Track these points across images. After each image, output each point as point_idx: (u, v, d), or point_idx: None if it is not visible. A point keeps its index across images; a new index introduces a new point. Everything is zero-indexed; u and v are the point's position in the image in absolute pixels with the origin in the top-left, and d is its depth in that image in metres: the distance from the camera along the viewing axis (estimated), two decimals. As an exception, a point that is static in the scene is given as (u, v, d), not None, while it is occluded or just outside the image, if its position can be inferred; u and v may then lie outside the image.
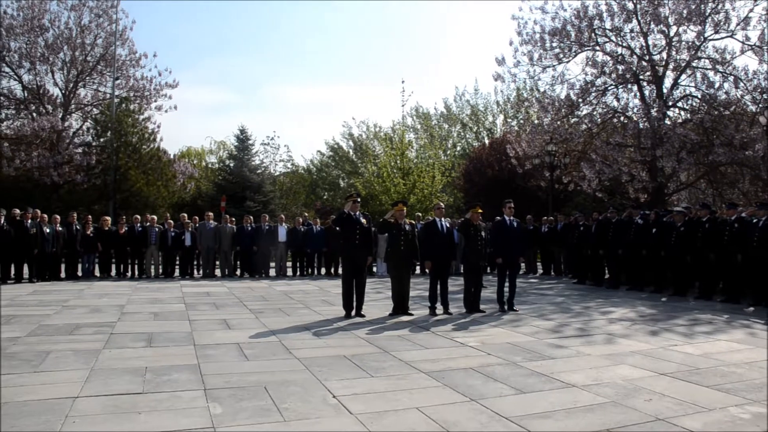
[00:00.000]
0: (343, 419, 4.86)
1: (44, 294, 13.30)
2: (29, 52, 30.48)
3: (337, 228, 11.03)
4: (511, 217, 11.61)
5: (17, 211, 16.35)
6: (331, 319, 10.11)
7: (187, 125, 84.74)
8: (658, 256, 14.33)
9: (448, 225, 11.61)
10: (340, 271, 18.57)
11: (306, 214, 23.84)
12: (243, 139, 36.20)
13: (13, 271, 16.05)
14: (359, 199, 11.15)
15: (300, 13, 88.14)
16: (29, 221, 15.91)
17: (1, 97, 31.24)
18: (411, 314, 10.66)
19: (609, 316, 10.79)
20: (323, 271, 19.35)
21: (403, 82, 63.79)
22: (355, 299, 10.54)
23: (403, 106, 47.62)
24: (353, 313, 10.47)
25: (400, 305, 10.81)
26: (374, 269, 18.57)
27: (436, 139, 39.92)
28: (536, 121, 25.62)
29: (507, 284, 11.46)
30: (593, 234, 16.24)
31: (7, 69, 30.82)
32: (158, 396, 5.43)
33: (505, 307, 11.33)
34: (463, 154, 42.40)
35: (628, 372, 6.48)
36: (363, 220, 10.68)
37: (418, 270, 17.39)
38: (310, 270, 19.28)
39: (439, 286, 11.04)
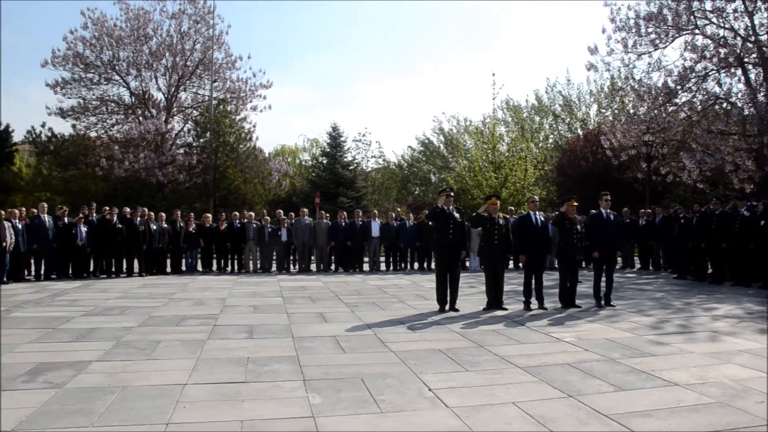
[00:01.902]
0: (440, 412, 4.89)
1: (152, 287, 14.03)
2: (135, 60, 32.24)
3: (431, 223, 11.06)
4: (608, 210, 11.29)
5: (127, 209, 17.37)
6: (426, 314, 10.16)
7: (281, 124, 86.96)
8: (766, 249, 13.54)
9: (542, 218, 11.43)
10: (433, 265, 18.64)
11: (399, 209, 23.96)
12: (335, 136, 36.76)
13: (124, 266, 16.98)
14: (452, 194, 11.13)
15: (386, 8, 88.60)
16: (138, 219, 16.85)
17: (112, 104, 33.18)
18: (505, 309, 10.57)
19: (713, 312, 10.32)
20: (416, 265, 19.42)
21: (493, 74, 63.15)
22: (449, 294, 10.56)
23: (493, 99, 47.14)
24: (447, 307, 10.48)
25: (495, 300, 10.74)
26: (467, 264, 18.48)
27: (528, 131, 39.25)
28: (632, 111, 24.67)
29: (604, 279, 11.16)
30: (695, 227, 15.53)
31: (117, 77, 32.71)
32: (260, 385, 5.64)
33: (602, 302, 11.04)
34: (555, 146, 41.50)
35: (736, 372, 6.18)
36: (456, 215, 10.66)
37: (511, 264, 17.28)
38: (403, 265, 19.40)
39: (533, 281, 10.90)
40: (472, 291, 13.20)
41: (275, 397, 5.28)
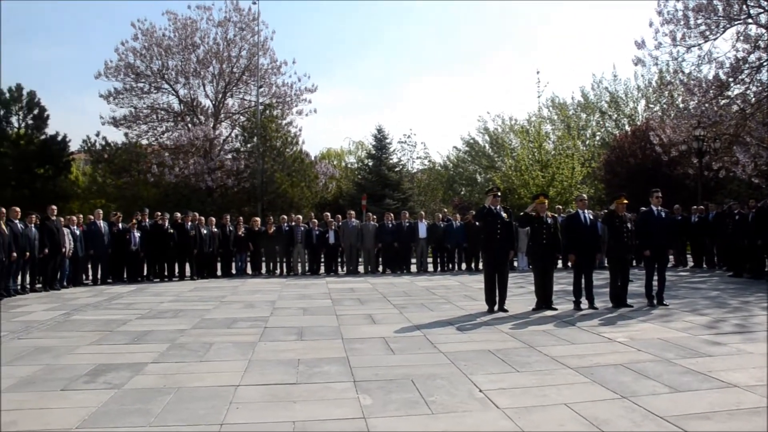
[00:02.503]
0: (491, 413, 4.88)
1: (203, 290, 14.30)
2: (184, 68, 33.01)
3: (478, 223, 11.01)
4: (659, 207, 11.05)
5: (178, 214, 17.73)
6: (474, 314, 10.12)
7: (326, 127, 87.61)
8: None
9: (591, 217, 11.26)
10: (481, 266, 18.53)
11: (445, 210, 23.91)
12: (380, 138, 36.90)
13: (176, 270, 17.35)
14: (499, 194, 11.06)
15: (430, 8, 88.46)
16: (189, 224, 17.19)
17: (162, 112, 33.99)
18: (555, 309, 10.45)
19: (773, 311, 10.00)
20: (464, 266, 19.33)
21: (538, 72, 62.52)
22: (497, 294, 10.49)
23: (539, 97, 46.58)
24: (496, 307, 10.42)
25: (544, 300, 10.63)
26: (515, 264, 18.32)
27: (574, 129, 38.67)
28: (681, 105, 24.12)
29: (655, 277, 10.93)
30: (751, 223, 15.07)
31: (166, 86, 33.52)
32: (311, 387, 5.70)
33: (654, 301, 10.81)
34: (602, 143, 40.83)
35: (799, 372, 5.99)
36: (504, 215, 10.60)
37: (560, 264, 17.06)
38: (450, 265, 19.33)
39: (583, 280, 10.74)
40: (520, 291, 13.09)
41: (326, 399, 5.34)
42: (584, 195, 12.00)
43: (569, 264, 11.80)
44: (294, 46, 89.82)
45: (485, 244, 10.75)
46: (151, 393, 5.55)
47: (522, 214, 11.47)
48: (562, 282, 13.42)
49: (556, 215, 11.85)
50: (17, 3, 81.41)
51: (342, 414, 4.89)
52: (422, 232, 19.16)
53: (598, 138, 43.18)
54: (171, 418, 4.86)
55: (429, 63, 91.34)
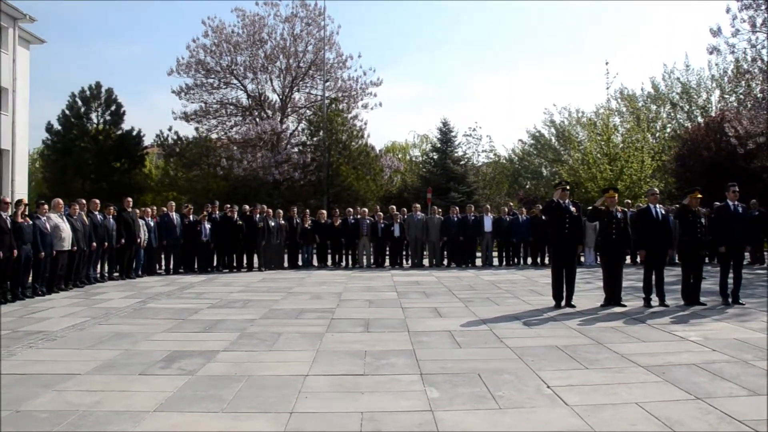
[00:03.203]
0: (559, 410, 4.83)
1: (271, 281, 14.59)
2: (252, 64, 33.68)
3: (543, 217, 10.86)
4: (735, 202, 10.65)
5: (247, 207, 18.12)
6: (541, 309, 10.01)
7: (391, 120, 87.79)
8: None
9: (663, 212, 10.95)
10: (547, 260, 18.28)
11: (511, 204, 23.65)
12: (446, 132, 36.72)
13: (245, 261, 17.75)
14: (568, 187, 10.89)
15: (493, 3, 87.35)
16: (257, 216, 17.54)
17: (231, 106, 34.77)
18: (624, 305, 10.22)
19: None
20: (529, 260, 19.09)
21: (606, 63, 60.79)
22: (565, 289, 10.34)
23: (607, 88, 45.41)
24: (563, 303, 10.28)
25: (612, 296, 10.41)
26: (582, 259, 17.99)
27: (644, 121, 37.46)
28: (759, 95, 23.05)
29: (731, 275, 10.55)
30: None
31: (235, 81, 34.26)
32: (378, 378, 5.77)
33: (730, 299, 10.44)
34: (674, 135, 39.40)
35: None
36: (572, 209, 10.43)
37: (628, 259, 16.64)
38: (516, 260, 19.13)
39: (654, 277, 10.46)
40: (588, 287, 12.86)
41: (393, 390, 5.39)
42: (656, 189, 11.65)
43: (639, 260, 11.51)
44: (359, 40, 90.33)
45: (553, 238, 10.61)
46: (223, 380, 5.72)
47: (591, 208, 11.24)
48: (631, 278, 13.09)
49: (626, 210, 11.55)
50: (97, 4, 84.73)
51: (409, 406, 4.92)
52: (487, 225, 19.02)
53: (669, 130, 41.71)
54: (242, 404, 5.00)
55: (494, 56, 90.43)
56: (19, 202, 11.87)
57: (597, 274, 14.79)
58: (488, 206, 21.02)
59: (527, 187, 43.67)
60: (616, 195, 10.93)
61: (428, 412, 4.77)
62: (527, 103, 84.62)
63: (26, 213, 11.67)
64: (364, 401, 5.07)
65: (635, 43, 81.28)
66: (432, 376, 5.80)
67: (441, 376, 5.81)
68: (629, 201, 21.05)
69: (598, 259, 17.89)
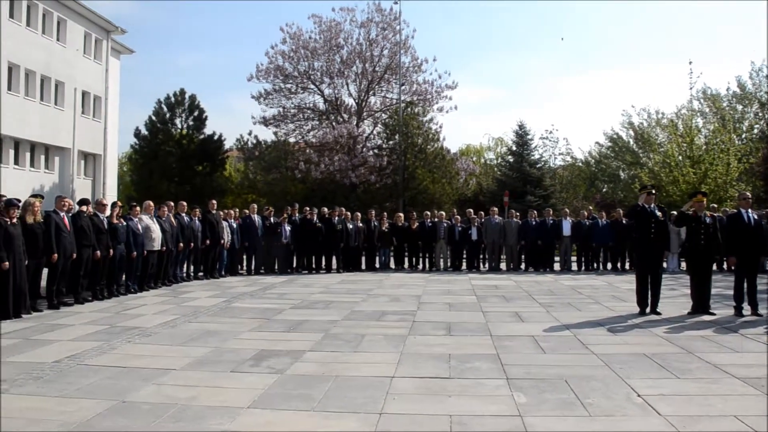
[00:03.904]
0: (652, 420, 4.72)
1: (350, 283, 14.79)
2: (328, 69, 34.24)
3: (624, 221, 10.61)
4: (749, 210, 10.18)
5: (326, 209, 18.43)
6: (625, 316, 9.80)
7: (465, 123, 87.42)
8: None
9: (755, 216, 10.51)
10: (627, 266, 17.85)
11: (590, 208, 23.17)
12: (522, 134, 36.30)
13: (323, 262, 18.04)
14: (654, 191, 10.62)
15: (568, 5, 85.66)
16: (336, 218, 17.82)
17: (308, 111, 35.43)
18: (713, 314, 9.87)
19: None
20: (609, 266, 18.65)
21: (690, 63, 58.57)
22: (649, 296, 10.08)
23: (691, 89, 43.74)
24: (648, 310, 10.02)
25: (700, 303, 10.08)
26: (665, 264, 17.45)
27: (729, 122, 35.92)
28: None
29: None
30: None
31: (312, 86, 34.93)
32: (464, 382, 5.79)
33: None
34: (762, 137, 37.59)
35: None
36: (658, 213, 10.17)
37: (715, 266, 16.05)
38: (595, 265, 18.73)
39: (746, 284, 10.05)
40: (673, 293, 12.45)
41: (480, 394, 5.40)
42: (747, 193, 11.16)
43: (729, 266, 11.08)
44: (434, 43, 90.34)
45: (638, 243, 10.36)
46: (312, 380, 5.86)
47: (678, 212, 10.93)
48: (719, 285, 12.60)
49: (715, 215, 11.15)
50: (181, 15, 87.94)
51: (497, 411, 4.92)
52: (566, 229, 18.71)
53: (756, 131, 39.80)
54: (332, 404, 5.11)
55: (571, 58, 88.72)
56: (115, 204, 12.44)
57: (681, 281, 14.38)
58: (567, 210, 20.68)
59: (604, 190, 42.58)
60: (705, 200, 10.58)
61: (517, 417, 4.76)
62: (604, 105, 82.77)
63: (120, 214, 12.23)
64: (452, 404, 5.10)
65: (719, 41, 78.18)
66: (518, 380, 5.78)
67: (527, 381, 5.77)
68: (715, 205, 20.29)
69: (682, 265, 17.40)
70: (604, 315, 9.90)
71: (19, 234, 9.38)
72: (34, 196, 10.53)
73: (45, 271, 10.38)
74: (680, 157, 29.98)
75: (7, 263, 9.02)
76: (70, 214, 10.83)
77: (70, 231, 10.50)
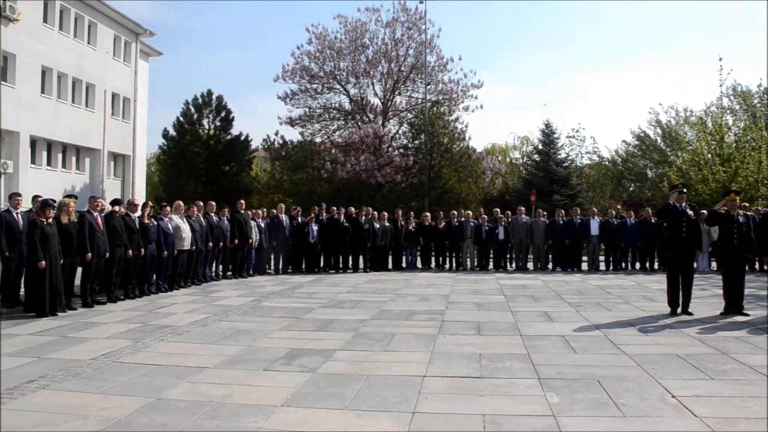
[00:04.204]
0: (687, 421, 4.68)
1: (378, 283, 14.83)
2: (354, 69, 34.37)
3: (653, 220, 10.50)
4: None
5: (353, 209, 18.48)
6: (655, 316, 9.70)
7: (490, 122, 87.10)
8: None
9: (791, 216, 10.35)
10: (656, 266, 17.66)
11: (618, 207, 22.94)
12: (548, 133, 36.02)
13: (350, 262, 18.12)
14: (685, 190, 10.50)
15: (593, 4, 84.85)
16: (363, 218, 17.86)
17: (334, 111, 35.59)
18: (746, 314, 9.71)
19: None
20: (638, 265, 18.45)
21: (720, 59, 57.75)
22: (681, 296, 9.97)
23: (720, 86, 42.99)
24: (679, 310, 9.91)
25: (733, 304, 9.92)
26: (695, 264, 17.21)
27: (760, 119, 35.29)
28: None
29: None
30: None
31: (337, 86, 35.10)
32: (495, 381, 5.79)
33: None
34: (795, 133, 36.86)
35: None
36: (690, 212, 10.05)
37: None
38: (624, 264, 18.55)
39: (781, 285, 9.92)
40: (704, 293, 12.28)
41: (512, 394, 5.39)
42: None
43: (762, 266, 10.93)
44: (460, 42, 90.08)
45: (669, 242, 10.25)
46: (343, 378, 5.90)
47: (710, 211, 10.80)
48: (752, 286, 12.42)
49: (748, 213, 10.99)
50: (206, 17, 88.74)
51: (530, 410, 4.92)
52: (594, 229, 18.55)
53: (789, 128, 39.07)
54: (364, 403, 5.14)
55: (596, 56, 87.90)
56: (146, 204, 12.61)
57: (712, 281, 14.21)
58: (595, 209, 20.51)
59: (631, 189, 42.11)
60: (738, 198, 10.44)
61: (550, 417, 4.75)
62: (630, 103, 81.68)
63: (151, 214, 12.40)
64: (484, 404, 5.11)
65: (750, 37, 76.83)
66: (550, 380, 5.76)
67: (559, 381, 5.75)
68: (746, 204, 19.98)
69: (712, 265, 17.17)
70: (634, 315, 9.82)
71: (55, 233, 9.56)
72: (68, 196, 10.69)
73: (79, 270, 10.58)
74: (710, 156, 29.59)
75: (43, 262, 9.22)
76: (103, 214, 11.01)
77: (104, 231, 10.66)
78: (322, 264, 17.91)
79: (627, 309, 10.49)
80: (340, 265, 17.92)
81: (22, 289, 10.45)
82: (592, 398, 5.24)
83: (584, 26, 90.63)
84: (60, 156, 27.29)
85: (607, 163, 44.12)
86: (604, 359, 6.66)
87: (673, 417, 4.78)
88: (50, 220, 9.56)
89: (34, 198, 11.24)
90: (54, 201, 9.99)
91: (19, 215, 10.40)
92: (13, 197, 10.65)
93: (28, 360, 6.62)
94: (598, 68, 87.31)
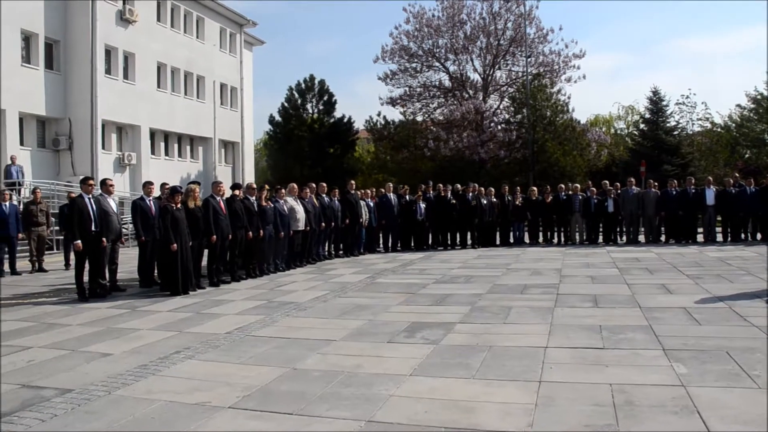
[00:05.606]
0: (828, 392, 4.55)
1: (487, 258, 14.92)
2: (452, 45, 34.20)
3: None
4: None
5: (459, 186, 18.57)
6: (784, 287, 9.30)
7: (593, 92, 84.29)
8: None
9: None
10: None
11: (737, 175, 21.84)
12: (656, 101, 34.61)
13: (458, 238, 18.27)
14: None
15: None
16: (470, 194, 17.92)
17: (433, 89, 35.61)
18: None
19: None
20: (758, 236, 17.55)
21: None
22: (812, 266, 9.52)
23: None
24: (810, 281, 9.46)
25: None
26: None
27: None
28: None
29: None
30: None
31: (436, 64, 35.08)
32: (619, 352, 5.79)
33: None
34: None
35: None
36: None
37: None
38: (743, 235, 17.70)
39: None
40: (836, 265, 11.62)
41: (637, 364, 5.39)
42: None
43: None
44: (560, 12, 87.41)
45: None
46: (467, 350, 6.08)
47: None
48: None
49: None
50: (304, 5, 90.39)
51: (658, 380, 4.91)
52: (710, 199, 17.76)
53: None
54: (491, 372, 5.30)
55: (703, 17, 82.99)
56: (262, 187, 13.21)
57: None
58: (710, 178, 19.64)
59: (747, 156, 39.77)
60: None
61: (680, 386, 4.72)
62: (745, 66, 76.76)
63: (268, 197, 12.99)
64: (610, 373, 5.14)
65: None
66: (675, 351, 5.70)
67: (685, 352, 5.69)
68: None
69: None
70: (759, 287, 9.42)
71: (183, 218, 10.25)
72: (193, 182, 11.41)
73: (205, 252, 11.31)
74: None
75: (175, 245, 9.92)
76: (225, 198, 11.66)
77: (226, 214, 11.30)
78: (430, 241, 18.13)
79: (750, 281, 10.07)
80: (448, 242, 18.08)
81: (155, 270, 11.32)
82: (722, 369, 5.16)
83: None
84: (176, 146, 28.91)
85: (719, 129, 41.87)
86: (731, 330, 6.51)
87: (812, 389, 4.65)
88: (179, 206, 10.24)
89: (162, 185, 12.08)
90: (181, 188, 10.70)
91: (152, 202, 11.22)
92: (147, 185, 11.49)
93: (172, 333, 7.22)
94: (708, 30, 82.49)
